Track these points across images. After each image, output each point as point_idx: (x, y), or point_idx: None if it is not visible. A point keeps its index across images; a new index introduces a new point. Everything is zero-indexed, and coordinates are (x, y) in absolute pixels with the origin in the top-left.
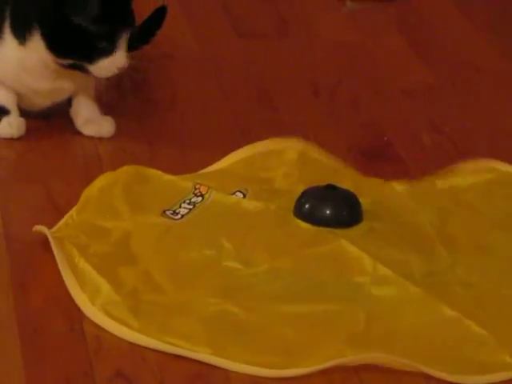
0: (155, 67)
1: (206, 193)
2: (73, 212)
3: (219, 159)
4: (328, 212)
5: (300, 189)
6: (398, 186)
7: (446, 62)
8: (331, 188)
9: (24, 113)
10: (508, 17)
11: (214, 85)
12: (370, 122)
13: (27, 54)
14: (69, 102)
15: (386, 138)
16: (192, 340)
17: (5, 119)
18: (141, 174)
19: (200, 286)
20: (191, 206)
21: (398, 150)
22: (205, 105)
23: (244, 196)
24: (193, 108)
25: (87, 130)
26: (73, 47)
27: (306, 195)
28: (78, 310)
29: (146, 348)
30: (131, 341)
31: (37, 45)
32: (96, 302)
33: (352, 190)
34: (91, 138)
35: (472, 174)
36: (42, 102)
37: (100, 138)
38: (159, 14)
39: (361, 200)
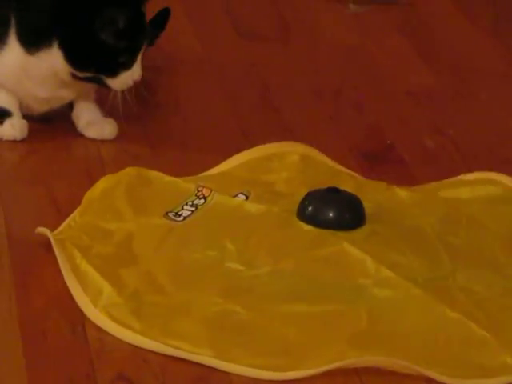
0: (158, 69)
1: (209, 195)
2: (75, 214)
3: (221, 161)
4: (331, 215)
5: (302, 192)
6: (401, 192)
7: (448, 64)
8: (334, 191)
9: (26, 115)
10: (511, 19)
11: (217, 87)
12: (373, 124)
13: (35, 62)
14: (70, 106)
15: (388, 142)
16: (194, 342)
17: (7, 121)
18: (143, 176)
19: (202, 286)
20: (193, 208)
21: (401, 152)
22: (207, 107)
23: (246, 198)
24: (195, 110)
25: (89, 132)
26: (94, 61)
27: (309, 198)
28: (80, 311)
29: (148, 350)
30: (133, 343)
31: (50, 56)
32: (98, 303)
33: (355, 192)
34: (93, 140)
35: (474, 186)
36: (39, 108)
37: (102, 141)
38: (163, 16)
39: (364, 203)
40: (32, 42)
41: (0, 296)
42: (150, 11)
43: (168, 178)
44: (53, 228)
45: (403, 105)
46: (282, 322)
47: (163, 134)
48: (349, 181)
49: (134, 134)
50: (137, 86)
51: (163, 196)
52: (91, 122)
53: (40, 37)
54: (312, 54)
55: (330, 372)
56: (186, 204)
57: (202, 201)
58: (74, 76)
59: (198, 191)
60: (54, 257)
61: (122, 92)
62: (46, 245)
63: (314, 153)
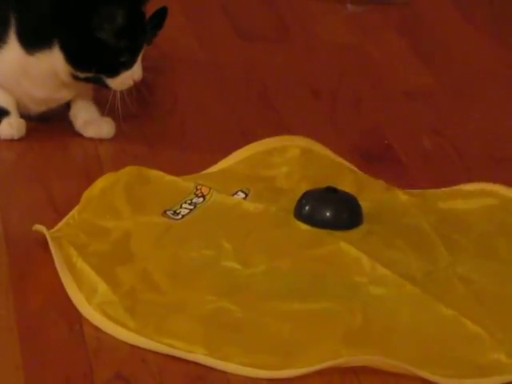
0: (156, 68)
1: (208, 194)
2: (74, 212)
3: (220, 161)
4: (328, 214)
5: (303, 187)
6: (402, 196)
7: (447, 65)
8: (332, 190)
9: (24, 115)
10: (509, 19)
11: (215, 87)
12: (371, 124)
13: (34, 63)
14: (68, 105)
15: (386, 142)
16: (188, 340)
17: (5, 120)
18: (142, 175)
19: (198, 285)
20: (192, 207)
21: (399, 153)
22: (205, 106)
23: (246, 195)
24: (193, 109)
25: (87, 131)
26: (95, 61)
27: (306, 197)
28: (78, 310)
29: (146, 350)
30: (127, 341)
31: (50, 57)
32: (92, 301)
33: (355, 189)
34: (91, 139)
35: (473, 198)
36: (37, 108)
37: (100, 140)
38: (160, 15)
39: (362, 203)
40: (32, 43)
41: None
42: (148, 10)
43: (168, 177)
44: (50, 227)
45: (401, 105)
46: (277, 320)
47: (161, 133)
48: (349, 176)
49: (132, 133)
50: (136, 86)
51: (162, 194)
52: (89, 121)
53: (40, 37)
54: (310, 53)
55: (326, 371)
56: (185, 202)
57: (201, 199)
58: (74, 76)
59: (197, 190)
60: (52, 255)
61: (122, 92)
62: (44, 243)
63: (315, 146)
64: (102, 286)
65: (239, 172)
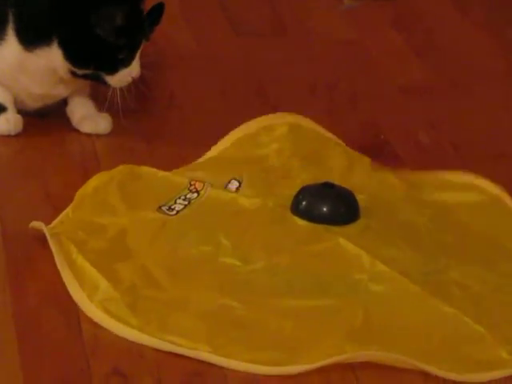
0: (153, 64)
1: (202, 189)
2: (68, 210)
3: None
4: (325, 209)
5: (294, 164)
6: (392, 179)
7: (443, 60)
8: (328, 186)
9: (21, 110)
10: (505, 15)
11: (212, 82)
12: (368, 119)
13: (33, 59)
14: (65, 101)
15: (382, 136)
16: (191, 337)
17: (2, 116)
18: (135, 173)
19: (198, 281)
20: (186, 202)
21: (396, 147)
22: (203, 102)
23: (240, 184)
24: (190, 105)
25: (84, 127)
26: (94, 58)
27: (303, 192)
28: (75, 306)
29: (144, 345)
30: (130, 339)
31: (49, 54)
32: (94, 298)
33: (345, 162)
34: (88, 135)
35: (460, 192)
36: (34, 104)
37: (97, 135)
38: (157, 10)
39: (357, 197)
40: (30, 40)
41: None
42: (145, 6)
43: (161, 173)
44: (47, 223)
45: (398, 100)
46: (279, 316)
47: (158, 128)
48: (338, 149)
49: (129, 129)
50: (134, 82)
51: (156, 190)
52: (86, 116)
53: (39, 34)
54: (307, 49)
55: (325, 368)
56: (179, 198)
57: (195, 195)
58: (72, 73)
59: (191, 185)
60: (49, 252)
61: (121, 89)
62: (41, 240)
63: (303, 121)
64: (103, 283)
65: (230, 157)
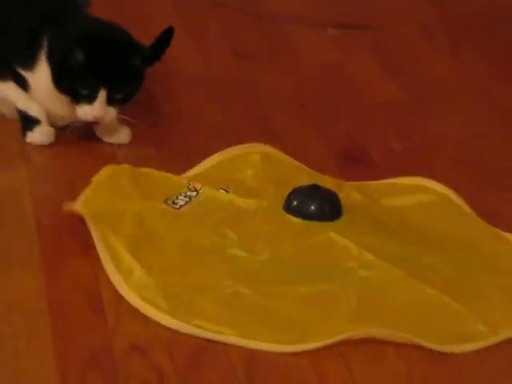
0: (164, 84)
1: (200, 188)
2: (88, 192)
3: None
4: (313, 208)
5: (269, 187)
6: (355, 195)
7: (412, 79)
8: (316, 187)
9: (53, 124)
10: (465, 41)
11: (215, 99)
12: (348, 130)
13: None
14: None
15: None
16: (216, 321)
17: (37, 128)
18: (137, 172)
19: (210, 269)
20: (187, 199)
21: (372, 154)
22: (206, 115)
23: (227, 192)
24: (196, 118)
25: (107, 138)
26: (66, 82)
27: (294, 193)
28: (99, 291)
29: (158, 323)
30: (161, 322)
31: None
32: (130, 282)
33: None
34: (111, 144)
35: (410, 194)
36: (61, 122)
37: (118, 145)
38: (167, 34)
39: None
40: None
41: (30, 278)
42: (156, 30)
43: (163, 174)
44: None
45: (374, 114)
46: (287, 301)
47: (169, 138)
48: (303, 173)
49: (145, 140)
50: (155, 96)
51: (160, 186)
52: (109, 129)
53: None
54: (296, 70)
55: (316, 354)
56: (180, 194)
57: (195, 193)
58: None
59: (190, 184)
60: (77, 244)
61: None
62: (70, 232)
63: (272, 150)
64: (137, 268)
65: (212, 175)
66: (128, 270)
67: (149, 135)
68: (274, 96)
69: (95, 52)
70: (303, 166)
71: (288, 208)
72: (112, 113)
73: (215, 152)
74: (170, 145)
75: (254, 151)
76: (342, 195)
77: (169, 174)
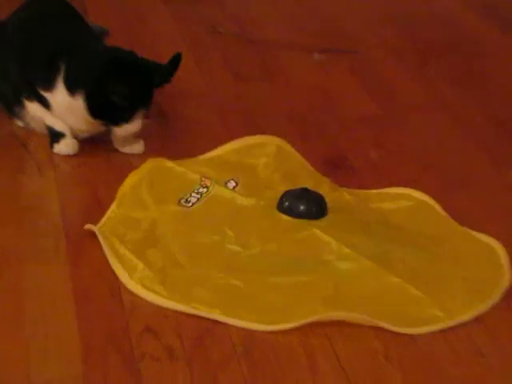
0: (173, 100)
1: (210, 185)
2: (114, 207)
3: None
4: (302, 208)
5: (275, 177)
6: (346, 196)
7: (386, 97)
8: (305, 190)
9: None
10: (433, 62)
11: (216, 115)
12: (332, 141)
13: (75, 103)
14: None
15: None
16: (208, 304)
17: (62, 141)
18: (160, 167)
19: (210, 264)
20: (198, 196)
21: (352, 162)
22: (210, 130)
23: (236, 184)
24: (202, 133)
25: (124, 148)
26: (104, 112)
27: (286, 195)
28: (117, 281)
29: (168, 309)
30: (162, 306)
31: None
32: (134, 276)
33: (311, 182)
34: (127, 154)
35: (395, 201)
36: (82, 135)
37: (133, 154)
38: (176, 59)
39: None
40: (68, 89)
41: (58, 272)
42: (166, 56)
43: (179, 169)
44: (96, 219)
45: (354, 127)
46: (271, 289)
47: (178, 149)
48: (307, 172)
49: (156, 149)
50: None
51: (175, 186)
52: (125, 140)
53: (73, 87)
54: (286, 90)
55: (303, 331)
56: (193, 192)
57: (205, 189)
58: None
59: (202, 181)
60: (98, 242)
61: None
62: (92, 233)
63: (286, 146)
64: (140, 266)
65: (229, 159)
66: (132, 267)
67: (160, 146)
68: (268, 112)
69: (131, 80)
70: (309, 165)
71: (280, 208)
72: (141, 123)
73: None
74: (178, 155)
75: (272, 142)
76: (335, 195)
77: (184, 170)
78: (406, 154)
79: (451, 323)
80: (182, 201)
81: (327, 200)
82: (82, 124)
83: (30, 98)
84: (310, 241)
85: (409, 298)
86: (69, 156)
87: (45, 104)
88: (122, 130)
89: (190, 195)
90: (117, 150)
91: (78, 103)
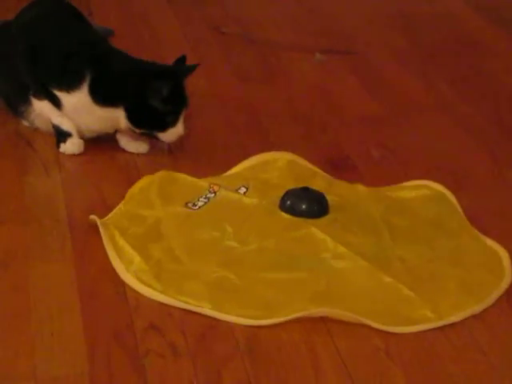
0: None
1: (218, 191)
2: (120, 205)
3: (223, 169)
4: (303, 206)
5: (290, 184)
6: (361, 188)
7: (387, 97)
8: (306, 189)
9: (82, 136)
10: (434, 64)
11: (220, 116)
12: (334, 141)
13: (100, 111)
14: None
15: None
16: (198, 298)
17: (69, 140)
18: (171, 177)
19: (207, 258)
20: (206, 200)
21: (354, 161)
22: (213, 130)
23: (247, 190)
24: (204, 132)
25: (129, 147)
26: (149, 121)
27: (287, 194)
28: (122, 278)
29: (172, 306)
30: (155, 299)
31: (115, 112)
32: (130, 269)
33: (325, 188)
34: (131, 153)
35: (413, 190)
36: (90, 134)
37: (138, 154)
38: (180, 61)
39: (328, 197)
40: (102, 101)
41: (63, 268)
42: (172, 57)
43: (190, 178)
44: (101, 216)
45: (355, 126)
46: (264, 285)
47: (181, 149)
48: (320, 176)
49: (161, 150)
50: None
51: (184, 192)
52: (130, 140)
53: (109, 100)
54: (289, 90)
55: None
56: (201, 197)
57: (213, 195)
58: (131, 130)
59: (210, 187)
60: (102, 238)
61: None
62: (97, 230)
63: (297, 159)
64: (137, 259)
65: (245, 174)
66: (129, 260)
67: (164, 146)
68: (271, 112)
69: (170, 85)
70: (322, 172)
71: (282, 207)
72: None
73: (221, 160)
74: (182, 154)
75: (282, 157)
76: (347, 189)
77: (195, 179)
78: (408, 153)
79: (440, 324)
80: (190, 204)
81: (331, 197)
82: (95, 125)
83: (38, 96)
84: (307, 239)
85: (400, 298)
86: (74, 155)
87: (56, 103)
88: (169, 135)
89: (198, 200)
90: (122, 150)
91: (106, 112)
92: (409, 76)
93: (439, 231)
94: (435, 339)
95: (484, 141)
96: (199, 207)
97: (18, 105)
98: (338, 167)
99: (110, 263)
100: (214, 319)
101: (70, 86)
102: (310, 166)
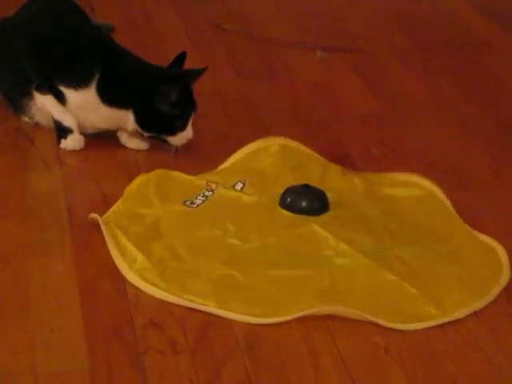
0: None
1: (215, 188)
2: (119, 203)
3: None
4: (304, 204)
5: (285, 171)
6: (355, 179)
7: (389, 95)
8: (306, 187)
9: (83, 132)
10: (434, 61)
11: (221, 112)
12: (334, 138)
13: (108, 111)
14: None
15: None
16: (203, 296)
17: (70, 136)
18: (168, 175)
19: (209, 256)
20: (204, 198)
21: (354, 158)
22: (215, 126)
23: (243, 185)
24: (206, 128)
25: (129, 144)
26: (157, 125)
27: (288, 191)
28: (122, 275)
29: (172, 303)
30: (159, 298)
31: (123, 114)
32: (133, 268)
33: (320, 174)
34: (132, 150)
35: (405, 187)
36: (92, 131)
37: (138, 150)
38: (181, 57)
39: (328, 194)
40: (110, 100)
41: (63, 265)
42: (172, 54)
43: (186, 177)
44: (101, 213)
45: (356, 124)
46: (268, 282)
47: (182, 146)
48: (316, 161)
49: (161, 146)
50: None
51: (182, 190)
52: (131, 137)
53: (118, 101)
54: (291, 88)
55: (306, 326)
56: (199, 195)
57: (211, 193)
58: (139, 132)
59: (208, 185)
60: (103, 235)
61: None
62: (97, 227)
63: (289, 143)
64: (140, 257)
65: (237, 168)
66: (132, 258)
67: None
68: (272, 109)
69: (179, 89)
70: (317, 154)
71: (282, 204)
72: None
73: (222, 156)
74: (182, 150)
75: (274, 143)
76: (343, 181)
77: (192, 177)
78: (409, 151)
79: (445, 320)
80: (188, 202)
81: (331, 194)
82: (100, 123)
83: (41, 90)
84: (309, 236)
85: (404, 296)
86: (75, 151)
87: (60, 98)
88: (178, 139)
89: (196, 198)
90: (123, 146)
91: (113, 112)
92: (409, 74)
93: (432, 236)
94: (435, 337)
95: (484, 139)
96: (198, 205)
97: (18, 99)
98: (338, 164)
99: (110, 259)
100: (214, 316)
101: (79, 83)
102: (302, 147)
